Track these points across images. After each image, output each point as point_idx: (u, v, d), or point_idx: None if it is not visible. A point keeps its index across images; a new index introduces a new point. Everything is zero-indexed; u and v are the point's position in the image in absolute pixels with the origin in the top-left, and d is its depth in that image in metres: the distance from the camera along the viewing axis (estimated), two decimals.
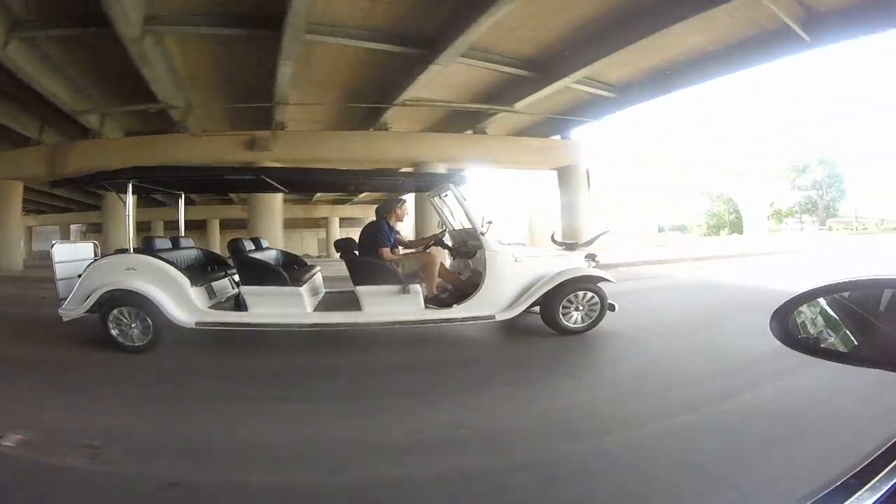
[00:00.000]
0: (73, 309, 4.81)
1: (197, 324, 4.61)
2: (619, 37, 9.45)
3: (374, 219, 5.09)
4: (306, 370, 4.27)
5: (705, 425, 2.68)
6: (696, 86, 12.30)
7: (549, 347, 4.65)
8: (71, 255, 5.32)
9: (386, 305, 4.65)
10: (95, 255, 5.57)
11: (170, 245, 5.31)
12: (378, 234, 4.92)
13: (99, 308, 4.69)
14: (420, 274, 4.84)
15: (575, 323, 4.80)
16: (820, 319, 0.89)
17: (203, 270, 5.32)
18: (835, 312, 0.86)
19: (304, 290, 4.74)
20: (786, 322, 0.88)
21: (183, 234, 5.69)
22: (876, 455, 0.69)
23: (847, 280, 0.83)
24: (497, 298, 4.69)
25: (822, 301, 0.88)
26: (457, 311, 4.69)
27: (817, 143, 54.22)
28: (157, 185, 5.62)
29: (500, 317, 4.69)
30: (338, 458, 2.44)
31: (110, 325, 4.59)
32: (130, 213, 4.89)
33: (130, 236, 4.91)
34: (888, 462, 0.66)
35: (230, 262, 5.73)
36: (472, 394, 3.42)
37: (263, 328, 4.79)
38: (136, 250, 4.91)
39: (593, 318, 4.81)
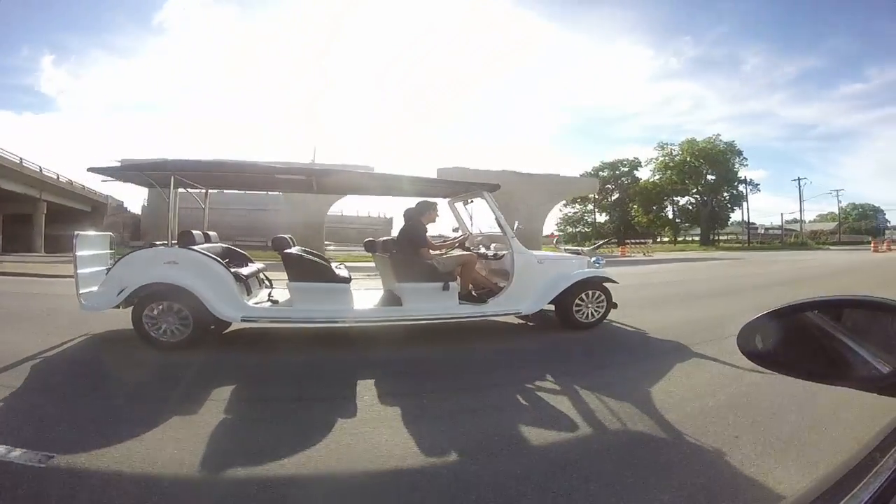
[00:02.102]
0: (101, 302, 4.65)
1: (243, 318, 4.64)
2: None
3: (409, 219, 5.42)
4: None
5: None
6: None
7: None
8: (93, 246, 5.07)
9: (425, 301, 5.01)
10: (111, 247, 5.35)
11: (203, 239, 5.23)
12: (419, 234, 5.27)
13: (133, 302, 4.57)
14: (457, 272, 5.26)
15: (586, 318, 5.49)
16: (786, 336, 0.90)
17: (233, 265, 5.33)
18: (801, 330, 0.88)
19: (348, 286, 4.94)
20: (753, 338, 0.91)
21: (207, 230, 5.57)
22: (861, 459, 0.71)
23: (814, 299, 0.86)
24: (524, 295, 5.25)
25: (789, 318, 0.90)
26: (489, 307, 5.20)
27: None
28: (199, 181, 5.49)
29: (526, 311, 5.27)
30: None
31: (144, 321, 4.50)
32: (173, 206, 4.81)
33: (171, 229, 4.84)
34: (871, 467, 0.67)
35: (248, 255, 5.77)
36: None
37: (308, 322, 4.93)
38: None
39: (601, 314, 5.55)
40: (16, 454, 2.36)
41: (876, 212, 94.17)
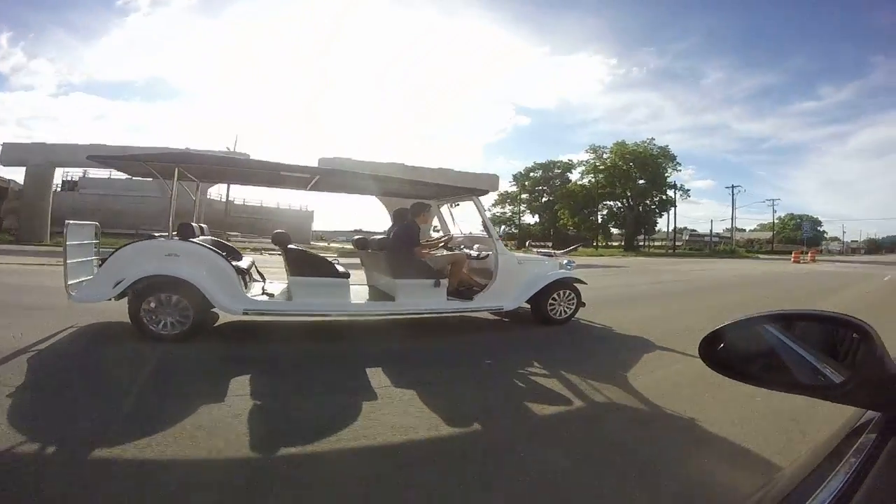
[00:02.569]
0: (95, 293, 4.63)
1: (245, 311, 4.78)
2: None
3: (403, 219, 5.77)
4: None
5: None
6: None
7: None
8: (81, 235, 5.05)
9: (417, 296, 5.34)
10: (96, 237, 5.34)
11: (199, 232, 5.33)
12: (413, 234, 5.61)
13: (127, 295, 4.58)
14: (446, 270, 5.63)
15: (558, 315, 6.01)
16: (745, 346, 0.93)
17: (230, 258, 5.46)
18: (758, 341, 0.91)
19: (347, 280, 5.18)
20: (713, 347, 0.93)
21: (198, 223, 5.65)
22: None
23: (770, 312, 0.90)
24: (506, 293, 5.68)
25: (747, 330, 0.93)
26: (474, 303, 5.62)
27: None
28: (203, 174, 5.55)
29: (508, 307, 5.72)
30: None
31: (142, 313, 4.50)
32: (175, 198, 4.88)
33: (171, 222, 4.88)
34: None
35: (237, 249, 5.92)
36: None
37: (307, 315, 5.16)
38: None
39: (570, 312, 6.09)
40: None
41: (814, 223, 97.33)
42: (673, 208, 55.04)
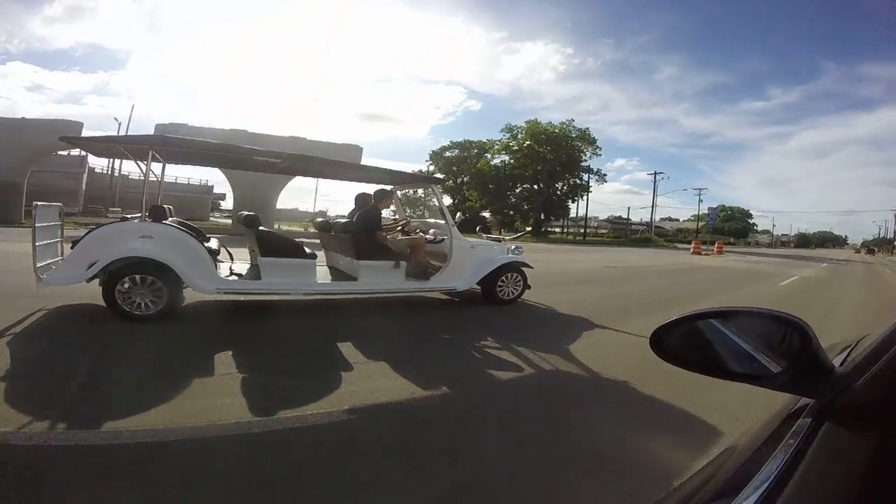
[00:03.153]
0: (68, 276, 4.70)
1: (218, 290, 5.05)
2: None
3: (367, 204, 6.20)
4: None
5: None
6: None
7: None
8: (49, 217, 5.10)
9: (378, 277, 5.81)
10: (61, 219, 5.39)
11: (168, 214, 5.48)
12: (376, 218, 6.05)
13: (103, 276, 4.68)
14: (405, 253, 6.12)
15: (506, 296, 6.66)
16: (691, 339, 1.00)
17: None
18: (703, 334, 0.97)
19: (314, 261, 5.57)
20: (663, 339, 1.00)
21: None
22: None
23: (712, 309, 0.97)
24: (459, 275, 6.25)
25: (693, 324, 1.00)
26: (430, 283, 6.16)
27: None
28: (177, 157, 5.66)
29: (461, 288, 6.29)
30: None
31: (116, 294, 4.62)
32: (149, 181, 5.03)
33: (144, 204, 4.97)
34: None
35: (202, 231, 6.13)
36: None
37: (278, 294, 5.52)
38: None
39: (518, 293, 6.75)
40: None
41: (744, 215, 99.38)
42: (586, 193, 53.84)
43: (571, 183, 53.76)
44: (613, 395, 3.59)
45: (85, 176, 35.09)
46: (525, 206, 53.85)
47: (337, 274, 6.22)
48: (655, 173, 58.82)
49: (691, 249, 30.87)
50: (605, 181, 59.76)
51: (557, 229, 58.48)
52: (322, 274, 6.06)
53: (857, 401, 0.76)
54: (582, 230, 55.61)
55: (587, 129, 53.44)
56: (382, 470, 2.34)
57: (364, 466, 2.36)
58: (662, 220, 74.12)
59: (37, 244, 4.77)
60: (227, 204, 46.20)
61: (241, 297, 5.67)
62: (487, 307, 6.50)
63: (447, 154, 55.72)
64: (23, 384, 3.12)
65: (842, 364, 0.90)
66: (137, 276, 4.69)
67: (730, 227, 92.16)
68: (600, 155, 55.18)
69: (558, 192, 54.37)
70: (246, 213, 5.68)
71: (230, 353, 3.94)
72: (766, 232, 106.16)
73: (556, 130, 51.16)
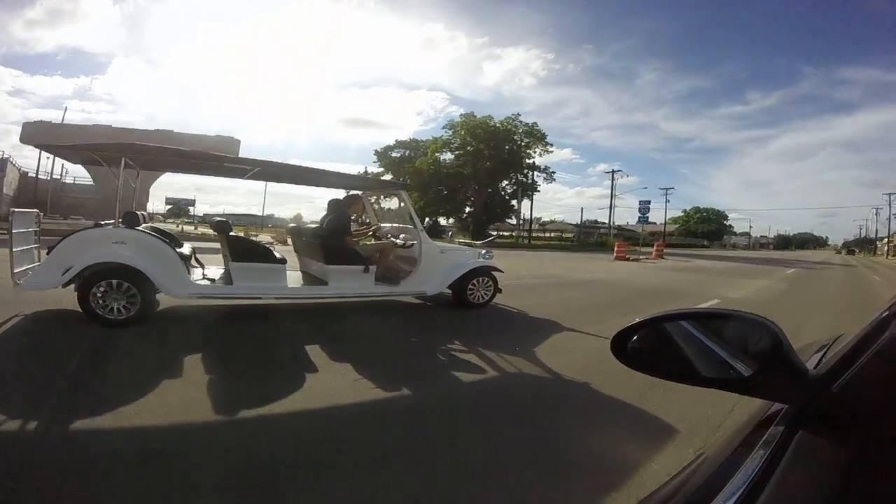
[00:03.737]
0: (44, 281, 4.79)
1: (190, 295, 5.20)
2: None
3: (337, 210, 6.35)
4: None
5: None
6: None
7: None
8: (26, 224, 5.20)
9: (347, 281, 5.98)
10: (37, 225, 5.47)
11: (140, 220, 5.58)
12: (345, 224, 6.21)
13: (78, 282, 4.76)
14: (375, 258, 6.29)
15: (477, 300, 6.86)
16: (655, 342, 0.96)
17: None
18: (667, 337, 0.94)
19: (284, 266, 5.72)
20: (625, 343, 0.95)
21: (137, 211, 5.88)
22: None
23: (679, 311, 0.95)
24: (429, 279, 6.45)
25: (656, 327, 0.96)
26: (400, 288, 6.34)
27: None
28: (149, 164, 5.72)
29: (430, 292, 6.49)
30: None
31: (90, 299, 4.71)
32: (121, 187, 5.07)
33: (117, 210, 5.07)
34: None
35: (175, 236, 6.23)
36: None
37: (247, 298, 5.63)
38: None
39: (488, 297, 6.96)
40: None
41: (719, 217, 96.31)
42: (533, 193, 49.93)
43: (518, 181, 49.51)
44: (575, 397, 3.73)
45: (5, 179, 33.22)
46: (466, 207, 49.78)
47: (309, 279, 6.39)
48: (613, 171, 56.35)
49: (614, 254, 25.20)
50: (554, 179, 51.86)
51: (507, 232, 55.70)
52: (294, 278, 6.20)
53: (832, 406, 0.74)
54: (541, 233, 52.71)
55: (535, 123, 49.26)
56: (336, 466, 2.45)
57: (316, 464, 2.47)
58: (651, 222, 73.97)
59: (13, 250, 4.87)
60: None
61: (215, 302, 5.78)
62: (458, 311, 6.69)
63: (393, 154, 50.38)
64: None
65: (816, 367, 0.87)
66: (111, 281, 4.77)
67: (703, 229, 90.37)
68: (551, 152, 50.37)
69: (502, 192, 50.47)
70: (217, 218, 5.79)
71: (199, 356, 4.09)
72: (745, 234, 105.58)
73: (496, 125, 47.21)
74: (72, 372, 3.54)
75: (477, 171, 46.39)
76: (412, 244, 6.64)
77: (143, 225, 5.57)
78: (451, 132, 48.68)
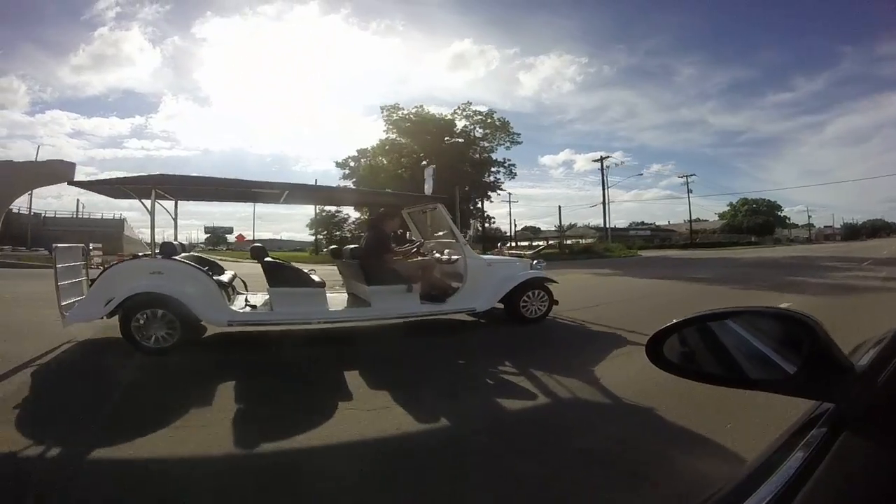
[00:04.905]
0: (88, 313, 4.85)
1: (229, 323, 5.05)
2: None
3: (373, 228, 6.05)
4: None
5: None
6: None
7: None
8: (70, 257, 5.21)
9: (391, 301, 5.65)
10: (84, 258, 5.47)
11: (180, 250, 5.50)
12: (384, 242, 5.90)
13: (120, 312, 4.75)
14: (418, 275, 5.93)
15: (531, 314, 6.37)
16: (694, 345, 0.93)
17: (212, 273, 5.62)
18: (707, 338, 0.91)
19: (324, 290, 5.47)
20: (660, 347, 0.93)
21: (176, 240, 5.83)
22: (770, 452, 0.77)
23: (719, 310, 0.91)
24: (477, 294, 6.03)
25: (695, 328, 0.93)
26: (447, 305, 5.94)
27: None
28: (178, 194, 5.66)
29: (480, 308, 6.06)
30: None
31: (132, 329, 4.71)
32: (153, 218, 5.06)
33: (152, 240, 5.11)
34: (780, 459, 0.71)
35: (219, 263, 6.10)
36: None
37: (287, 324, 5.41)
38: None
39: (544, 311, 6.45)
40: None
41: (772, 208, 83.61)
42: (490, 193, 41.05)
43: (476, 182, 39.84)
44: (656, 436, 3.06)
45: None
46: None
47: (354, 301, 6.09)
48: (601, 159, 45.31)
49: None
50: (514, 175, 42.07)
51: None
52: (338, 301, 5.93)
53: (878, 403, 0.70)
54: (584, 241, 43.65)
55: (492, 111, 41.47)
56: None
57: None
58: (693, 220, 70.64)
59: (59, 284, 4.93)
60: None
61: (260, 327, 5.59)
62: (512, 327, 6.24)
63: (351, 164, 41.06)
64: (31, 411, 3.37)
65: (863, 364, 0.81)
66: (151, 311, 4.77)
67: (750, 222, 78.95)
68: (520, 143, 41.75)
69: (467, 199, 39.59)
70: (254, 244, 5.61)
71: (234, 384, 4.01)
72: (807, 226, 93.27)
73: (432, 115, 39.23)
74: (105, 400, 3.54)
75: (414, 173, 35.92)
76: (456, 259, 6.25)
77: (183, 254, 5.48)
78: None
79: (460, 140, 36.38)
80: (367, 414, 3.31)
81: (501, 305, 6.35)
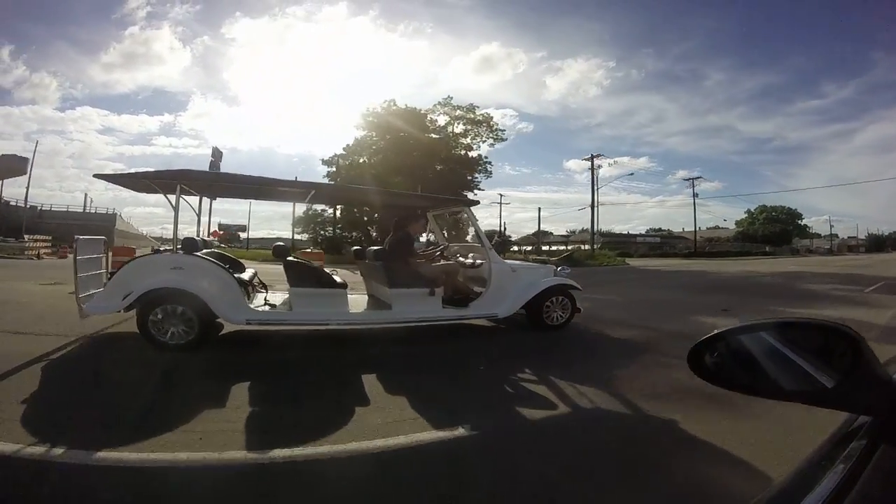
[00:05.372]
0: (105, 305, 4.80)
1: (247, 321, 4.93)
2: None
3: (397, 230, 5.91)
4: None
5: None
6: None
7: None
8: (91, 250, 5.16)
9: (413, 305, 5.51)
10: (105, 252, 5.41)
11: (202, 246, 5.42)
12: (408, 245, 5.77)
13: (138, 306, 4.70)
14: (441, 279, 5.79)
15: (553, 321, 6.21)
16: (734, 355, 0.92)
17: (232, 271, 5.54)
18: (747, 349, 0.90)
19: (345, 291, 5.35)
20: (702, 357, 0.93)
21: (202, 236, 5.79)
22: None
23: (760, 321, 0.90)
24: (500, 300, 5.87)
25: (735, 339, 0.93)
26: (469, 310, 5.80)
27: None
28: (203, 189, 5.59)
29: (502, 314, 5.89)
30: None
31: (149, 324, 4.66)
32: (177, 214, 5.00)
33: (175, 236, 5.05)
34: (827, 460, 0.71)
35: (240, 261, 6.01)
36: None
37: (307, 324, 5.29)
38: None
39: (566, 318, 6.29)
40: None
41: (792, 216, 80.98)
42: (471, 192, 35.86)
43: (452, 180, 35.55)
44: (669, 443, 3.03)
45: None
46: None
47: (375, 303, 5.97)
48: (592, 157, 40.54)
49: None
50: (490, 174, 39.40)
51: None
52: (359, 303, 5.81)
53: None
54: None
55: (474, 106, 38.28)
56: None
57: None
58: (710, 228, 69.19)
59: (79, 275, 4.88)
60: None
61: (279, 326, 5.48)
62: (534, 334, 6.09)
63: (340, 161, 37.83)
64: (37, 405, 3.27)
65: None
66: (169, 307, 4.71)
67: (765, 230, 75.90)
68: (504, 139, 39.78)
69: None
70: (277, 243, 5.51)
71: (248, 384, 3.94)
72: (829, 236, 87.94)
73: (405, 108, 35.71)
74: (103, 395, 3.57)
75: (379, 172, 32.22)
76: (481, 263, 6.10)
77: (205, 250, 5.40)
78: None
79: (434, 136, 34.08)
80: (379, 419, 3.20)
81: (523, 311, 6.19)
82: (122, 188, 5.66)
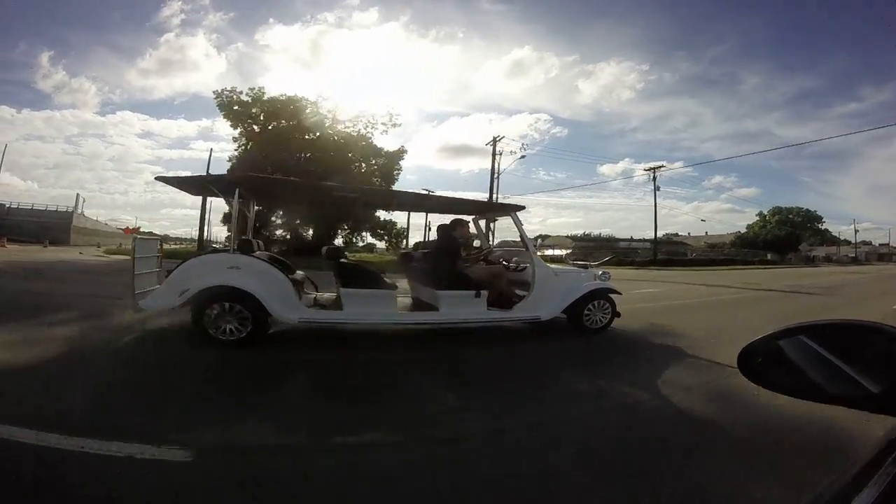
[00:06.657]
0: (162, 302, 4.94)
1: (300, 320, 5.01)
2: None
3: (444, 234, 5.98)
4: None
5: None
6: None
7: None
8: (147, 249, 5.28)
9: (458, 307, 5.56)
10: (159, 251, 5.51)
11: (256, 247, 5.49)
12: (454, 248, 5.83)
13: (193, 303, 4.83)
14: (489, 282, 5.83)
15: (593, 324, 6.26)
16: (782, 358, 0.92)
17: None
18: (796, 352, 0.90)
19: (394, 292, 5.41)
20: (752, 360, 0.94)
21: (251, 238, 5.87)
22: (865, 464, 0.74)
23: (806, 323, 0.90)
24: (543, 303, 5.92)
25: (784, 341, 0.93)
26: (513, 313, 5.84)
27: None
28: (260, 194, 5.68)
29: (545, 317, 5.94)
30: None
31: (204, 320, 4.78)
32: (236, 216, 5.14)
33: (233, 236, 5.18)
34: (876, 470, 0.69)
35: (289, 263, 6.07)
36: None
37: (358, 326, 5.35)
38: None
39: (606, 322, 6.33)
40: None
41: (808, 219, 74.12)
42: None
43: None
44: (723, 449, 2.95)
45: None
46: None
47: (420, 304, 6.02)
48: (653, 169, 39.08)
49: None
50: (400, 168, 33.00)
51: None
52: (406, 304, 5.86)
53: None
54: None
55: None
56: None
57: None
58: (714, 234, 66.99)
59: (136, 273, 5.03)
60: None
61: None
62: (573, 337, 6.13)
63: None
64: (86, 393, 3.37)
65: None
66: (224, 304, 4.82)
67: (771, 235, 68.90)
68: (398, 124, 33.87)
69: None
70: (329, 245, 5.59)
71: (295, 382, 4.10)
72: (857, 243, 79.38)
73: (267, 101, 30.38)
74: (157, 387, 3.67)
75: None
76: (524, 267, 6.14)
77: (258, 252, 5.48)
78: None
79: (316, 135, 29.59)
80: (428, 421, 3.22)
81: (564, 315, 6.24)
82: (163, 191, 5.76)
